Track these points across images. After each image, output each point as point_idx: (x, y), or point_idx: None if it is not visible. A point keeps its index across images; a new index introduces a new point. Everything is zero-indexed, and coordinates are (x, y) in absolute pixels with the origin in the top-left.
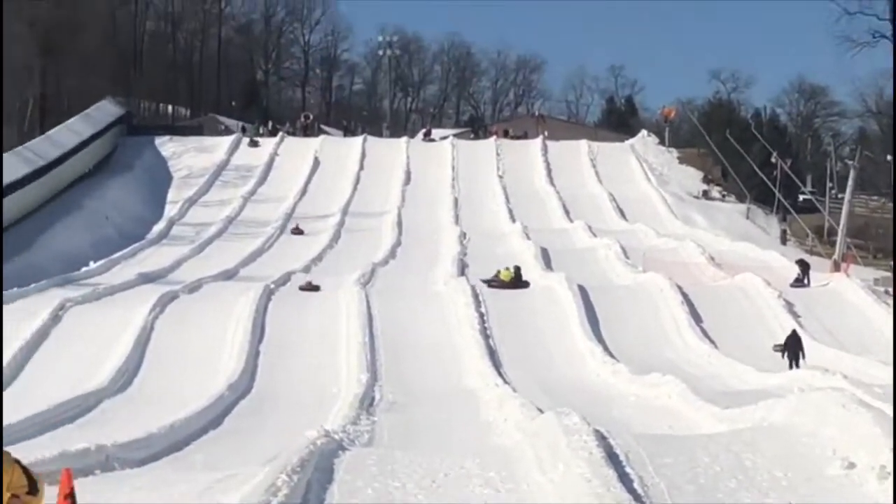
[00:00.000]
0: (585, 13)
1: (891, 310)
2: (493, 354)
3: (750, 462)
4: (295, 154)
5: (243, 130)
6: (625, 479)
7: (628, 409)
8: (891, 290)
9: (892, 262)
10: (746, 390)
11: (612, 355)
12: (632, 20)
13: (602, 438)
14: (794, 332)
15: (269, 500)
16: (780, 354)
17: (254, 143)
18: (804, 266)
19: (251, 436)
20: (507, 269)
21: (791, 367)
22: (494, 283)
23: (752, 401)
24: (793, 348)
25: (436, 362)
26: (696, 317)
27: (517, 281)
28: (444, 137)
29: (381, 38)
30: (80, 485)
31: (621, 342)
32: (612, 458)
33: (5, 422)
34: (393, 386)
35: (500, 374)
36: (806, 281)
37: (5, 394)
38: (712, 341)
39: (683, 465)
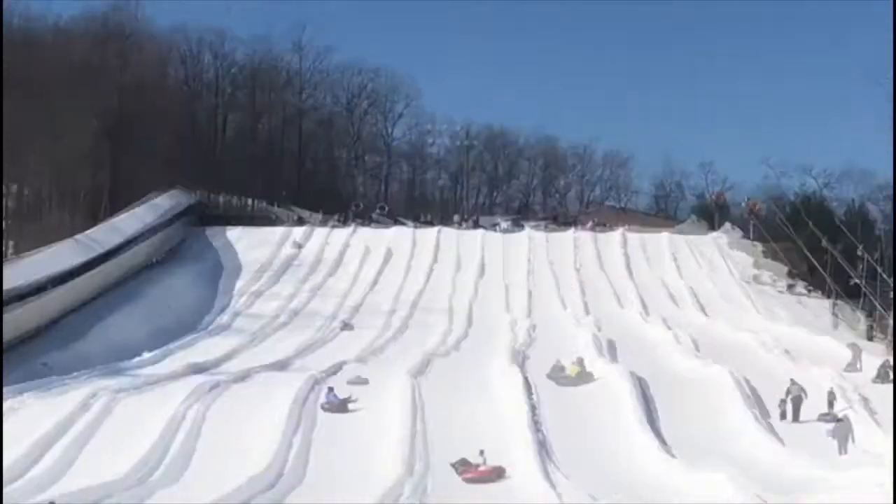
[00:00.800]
0: (673, 110)
1: None
2: (541, 448)
3: None
4: (367, 245)
5: (300, 221)
6: None
7: None
8: None
9: None
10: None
11: (669, 450)
12: (720, 117)
13: None
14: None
15: None
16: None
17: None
18: (856, 350)
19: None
20: (573, 363)
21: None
22: (563, 380)
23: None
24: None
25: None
26: (764, 412)
27: (583, 375)
28: (496, 225)
29: (458, 129)
30: None
31: (682, 437)
32: None
33: None
34: (431, 479)
35: (545, 469)
36: (858, 365)
37: (20, 481)
38: (779, 438)
39: None
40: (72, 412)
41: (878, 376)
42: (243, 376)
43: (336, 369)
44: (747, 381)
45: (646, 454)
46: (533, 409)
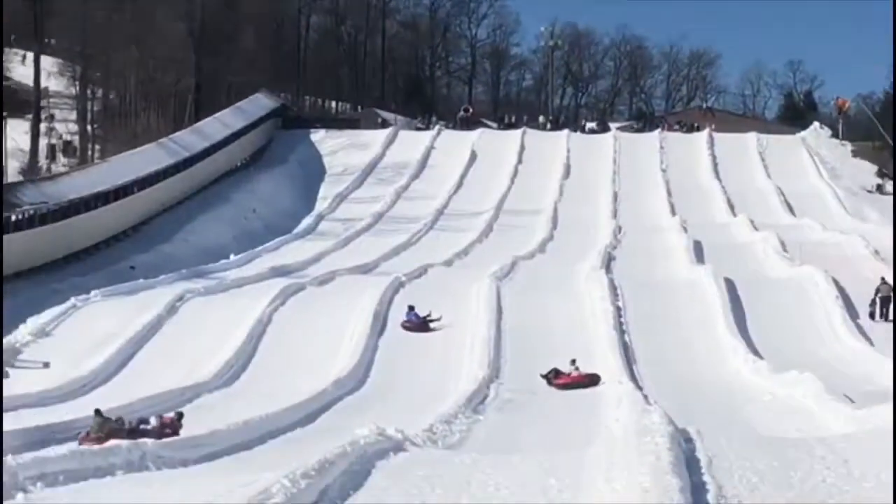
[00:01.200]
0: (762, 7)
1: None
2: (626, 351)
3: (859, 470)
4: (452, 148)
5: (383, 124)
6: (697, 489)
7: (759, 409)
8: None
9: None
10: None
11: (756, 352)
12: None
13: (687, 441)
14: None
15: None
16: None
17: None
18: None
19: (339, 434)
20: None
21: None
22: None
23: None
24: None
25: (565, 361)
26: (853, 313)
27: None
28: (581, 126)
29: (542, 29)
30: (92, 486)
31: (770, 339)
32: (691, 463)
33: (80, 415)
34: (513, 383)
35: (632, 370)
36: None
37: (105, 386)
38: (868, 339)
39: (778, 472)
40: (159, 315)
41: None
42: (328, 279)
43: (420, 272)
44: (836, 282)
45: (733, 356)
46: (619, 311)
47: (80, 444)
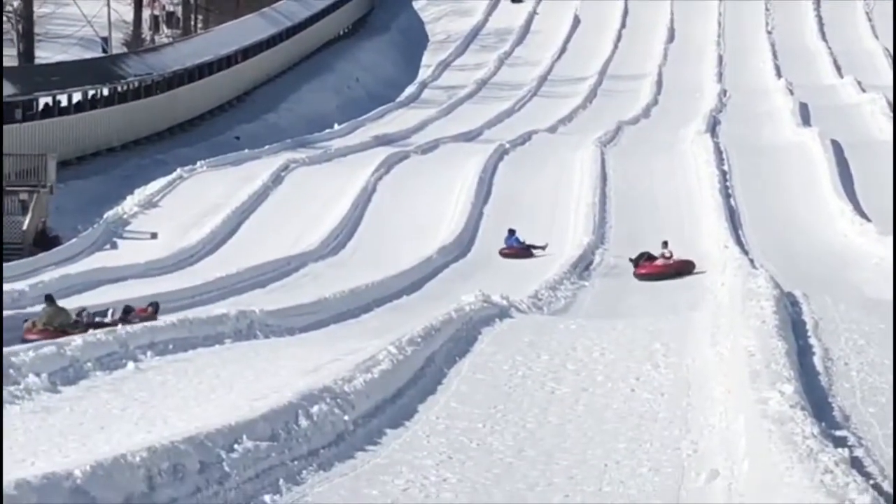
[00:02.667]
0: None
1: None
2: (732, 214)
3: None
4: (555, 13)
5: None
6: (803, 352)
7: (866, 273)
8: None
9: None
10: None
11: (864, 215)
12: None
13: (793, 304)
14: None
15: (354, 377)
16: None
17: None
18: None
19: (445, 301)
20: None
21: None
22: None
23: None
24: None
25: (670, 225)
26: None
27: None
28: None
29: None
30: (200, 355)
31: (877, 202)
32: (797, 326)
33: (189, 283)
34: (619, 249)
35: (738, 235)
36: None
37: (212, 256)
38: None
39: (884, 334)
40: (264, 184)
41: None
42: (431, 147)
43: (524, 139)
44: None
45: (840, 219)
46: (724, 175)
47: (24, 336)
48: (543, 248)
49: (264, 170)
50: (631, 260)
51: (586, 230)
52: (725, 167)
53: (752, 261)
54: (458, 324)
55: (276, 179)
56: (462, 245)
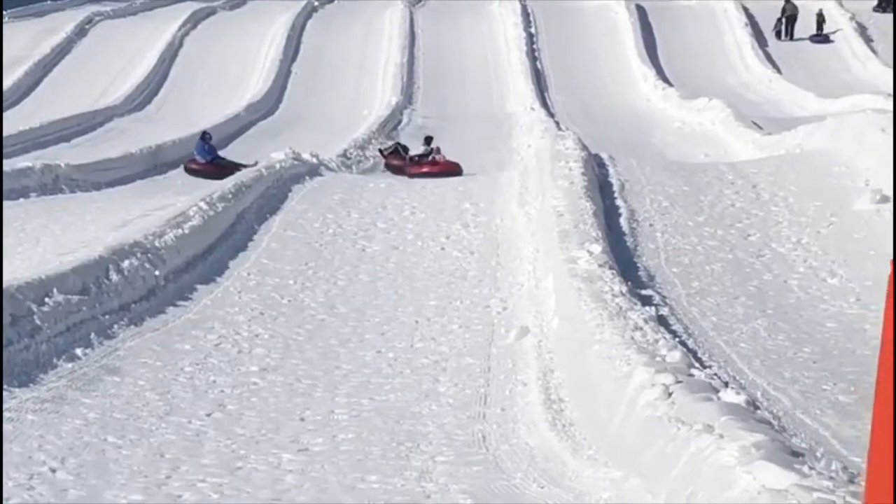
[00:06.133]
0: None
1: None
2: (538, 77)
3: (769, 194)
4: None
5: None
6: (610, 213)
7: (669, 136)
8: None
9: None
10: (804, 117)
11: (666, 80)
12: None
13: (600, 166)
14: None
15: (165, 232)
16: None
17: None
18: None
19: (254, 159)
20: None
21: None
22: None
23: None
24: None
25: (477, 85)
26: (762, 41)
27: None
28: None
29: None
30: (5, 207)
31: (679, 66)
32: (604, 187)
33: None
34: (427, 109)
35: (543, 98)
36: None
37: (14, 109)
38: (776, 67)
39: (688, 196)
40: (68, 36)
41: (879, 5)
42: (239, 3)
43: None
44: (746, 10)
45: (643, 83)
46: (531, 38)
47: None
48: (246, 167)
49: (68, 22)
50: (381, 151)
51: (395, 90)
52: (532, 29)
53: (557, 123)
54: (268, 181)
55: (80, 32)
56: (270, 103)
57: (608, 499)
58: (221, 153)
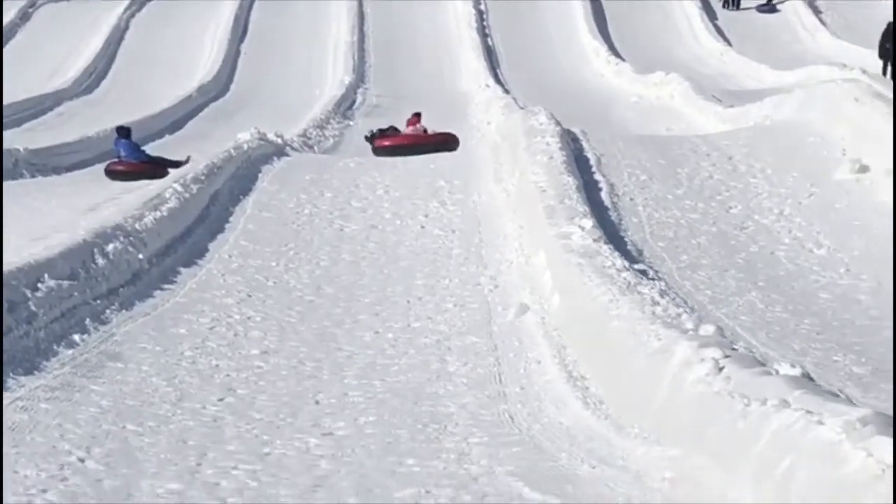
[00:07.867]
0: None
1: None
2: (490, 54)
3: (745, 166)
4: None
5: None
6: (590, 188)
7: (628, 111)
8: None
9: None
10: (761, 89)
11: (618, 54)
12: None
13: (574, 141)
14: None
15: (144, 215)
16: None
17: None
18: None
19: (210, 141)
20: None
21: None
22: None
23: (762, 99)
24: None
25: (429, 64)
26: (712, 14)
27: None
28: None
29: None
30: None
31: (630, 41)
32: (580, 162)
33: None
34: (380, 88)
35: (496, 75)
36: None
37: None
38: (727, 39)
39: (665, 169)
40: (12, 21)
41: None
42: None
43: None
44: None
45: (595, 59)
46: (481, 15)
47: None
48: (178, 163)
49: (11, 7)
50: (367, 138)
51: (347, 69)
52: (482, 6)
53: (514, 99)
54: (237, 161)
55: (24, 16)
56: (221, 83)
57: (673, 478)
58: (179, 133)
